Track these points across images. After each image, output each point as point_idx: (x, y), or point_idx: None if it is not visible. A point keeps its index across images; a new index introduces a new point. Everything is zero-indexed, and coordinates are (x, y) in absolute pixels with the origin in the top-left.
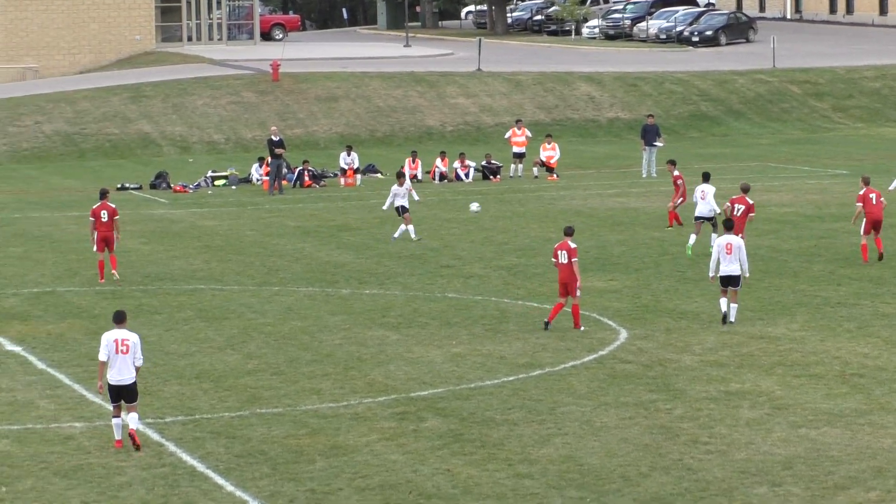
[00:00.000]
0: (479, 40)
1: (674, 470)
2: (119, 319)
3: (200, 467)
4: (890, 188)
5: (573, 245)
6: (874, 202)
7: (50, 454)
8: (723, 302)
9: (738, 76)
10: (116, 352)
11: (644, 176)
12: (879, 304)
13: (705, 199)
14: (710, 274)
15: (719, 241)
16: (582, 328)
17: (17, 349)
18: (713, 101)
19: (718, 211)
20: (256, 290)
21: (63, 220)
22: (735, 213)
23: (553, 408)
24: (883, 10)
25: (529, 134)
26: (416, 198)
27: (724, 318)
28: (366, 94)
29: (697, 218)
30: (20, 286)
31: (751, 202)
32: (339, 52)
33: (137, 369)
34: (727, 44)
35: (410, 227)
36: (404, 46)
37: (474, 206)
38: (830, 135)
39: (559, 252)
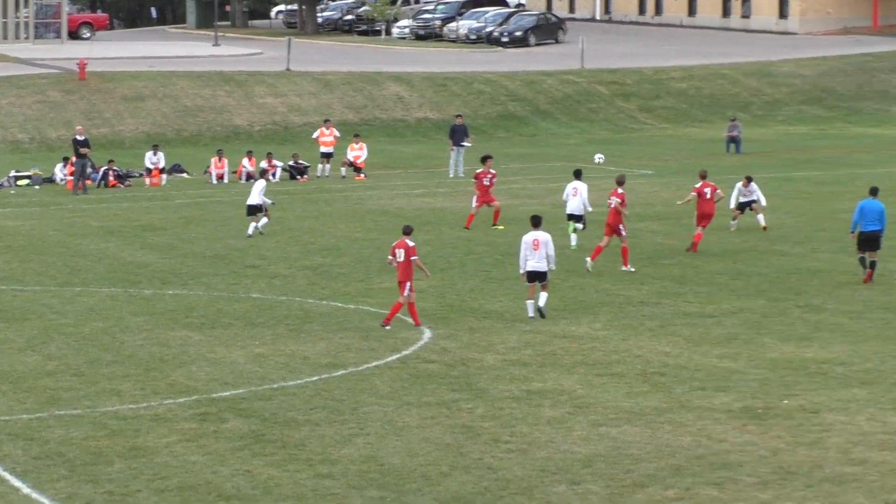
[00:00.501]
0: (289, 40)
1: (474, 469)
2: None
3: None
4: (730, 206)
5: (411, 243)
6: (708, 196)
7: None
8: (528, 304)
9: (547, 76)
10: None
11: (451, 176)
12: (681, 303)
13: (577, 196)
14: (521, 270)
15: (526, 238)
16: (388, 327)
17: None
18: (521, 102)
19: (591, 209)
20: (58, 291)
21: None
22: (610, 205)
23: (355, 408)
24: (691, 11)
25: (338, 133)
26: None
27: (540, 313)
28: (173, 93)
29: (570, 216)
30: None
31: (622, 192)
32: (146, 52)
33: None
34: (536, 44)
35: (262, 221)
36: (213, 46)
37: (598, 158)
38: (637, 135)
39: (396, 251)
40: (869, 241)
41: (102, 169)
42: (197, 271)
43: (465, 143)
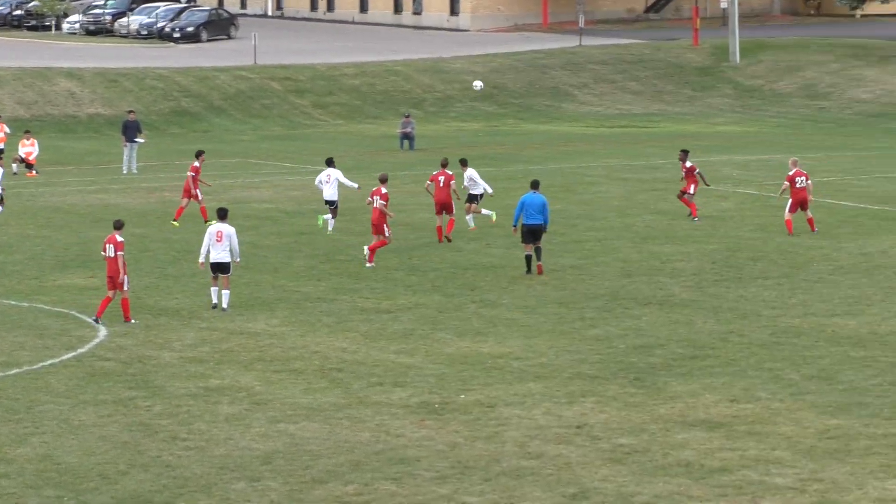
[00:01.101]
0: None
1: (153, 467)
2: None
3: None
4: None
5: (120, 239)
6: (441, 184)
7: None
8: (213, 291)
9: (220, 73)
10: None
11: (125, 172)
12: (358, 298)
13: (330, 182)
14: (201, 260)
15: (210, 229)
16: (133, 321)
17: None
18: (194, 98)
19: (356, 186)
20: None
21: None
22: (372, 204)
23: (30, 406)
24: (363, 8)
25: (8, 130)
26: None
27: (216, 306)
28: None
29: (328, 202)
30: None
31: (385, 191)
32: None
33: None
34: (209, 40)
35: None
36: None
37: (478, 84)
38: (311, 131)
39: (107, 246)
40: (532, 234)
41: None
42: None
43: (137, 140)
